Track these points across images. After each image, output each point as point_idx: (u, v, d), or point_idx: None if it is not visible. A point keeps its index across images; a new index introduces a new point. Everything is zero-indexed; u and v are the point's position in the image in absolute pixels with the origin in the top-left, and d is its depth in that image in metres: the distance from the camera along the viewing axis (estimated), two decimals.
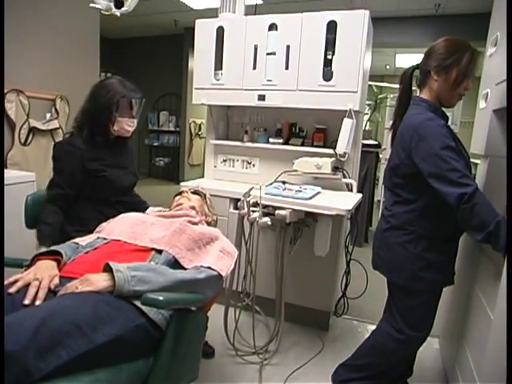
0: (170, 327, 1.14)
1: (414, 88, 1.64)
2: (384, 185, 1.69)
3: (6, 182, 2.09)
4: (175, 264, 1.33)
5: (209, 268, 1.31)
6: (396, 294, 1.62)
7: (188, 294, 1.22)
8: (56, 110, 3.02)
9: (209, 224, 1.74)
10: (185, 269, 1.32)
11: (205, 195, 1.85)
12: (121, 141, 1.81)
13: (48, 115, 3.01)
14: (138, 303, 1.10)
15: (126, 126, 1.73)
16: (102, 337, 0.97)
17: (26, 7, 2.71)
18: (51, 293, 1.13)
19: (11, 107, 2.70)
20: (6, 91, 2.64)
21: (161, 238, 1.38)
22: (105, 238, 1.42)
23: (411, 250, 1.49)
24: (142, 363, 1.10)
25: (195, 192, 1.83)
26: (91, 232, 1.59)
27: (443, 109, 1.54)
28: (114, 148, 1.79)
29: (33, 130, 2.87)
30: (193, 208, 1.66)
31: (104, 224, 1.56)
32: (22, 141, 2.80)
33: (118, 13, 2.04)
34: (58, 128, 3.04)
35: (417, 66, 1.60)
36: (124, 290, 1.09)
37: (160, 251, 1.35)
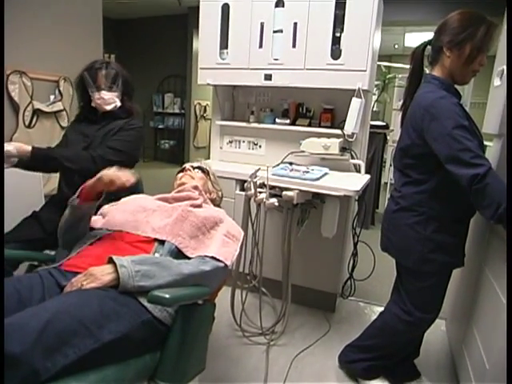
0: (177, 322, 1.13)
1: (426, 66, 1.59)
2: (393, 165, 1.66)
3: None
4: (179, 253, 1.31)
5: (213, 258, 1.28)
6: (405, 275, 1.61)
7: (193, 287, 1.20)
8: (60, 91, 2.98)
9: (213, 201, 1.70)
10: (189, 258, 1.30)
11: (208, 171, 1.79)
12: (106, 116, 1.86)
13: (52, 97, 2.97)
14: (142, 300, 1.09)
15: (97, 100, 1.81)
16: (108, 334, 0.97)
17: None
18: (58, 288, 1.14)
19: (14, 89, 2.66)
20: (8, 72, 2.60)
21: (163, 226, 1.35)
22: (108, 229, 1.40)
23: (421, 231, 1.47)
24: (149, 358, 1.09)
25: (198, 168, 1.77)
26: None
27: (456, 87, 1.49)
28: (97, 122, 1.86)
29: (37, 112, 2.83)
30: (196, 188, 1.61)
31: (106, 207, 1.53)
32: (27, 123, 2.77)
33: None
34: (62, 110, 3.00)
35: (428, 43, 1.54)
36: (128, 286, 1.08)
37: (163, 241, 1.32)
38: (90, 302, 1.00)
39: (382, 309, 1.75)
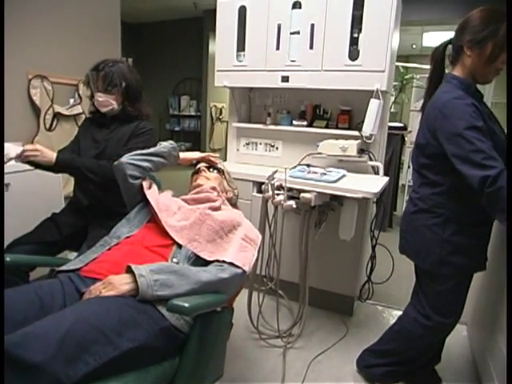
0: (195, 330, 1.12)
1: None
2: (412, 166, 1.64)
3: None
4: (196, 258, 1.31)
5: (231, 264, 1.27)
6: (423, 278, 1.58)
7: (212, 295, 1.19)
8: (79, 95, 3.03)
9: (229, 200, 1.69)
10: (206, 261, 1.30)
11: (223, 170, 1.77)
12: (115, 120, 1.85)
13: (71, 100, 3.03)
14: (160, 307, 1.09)
15: (95, 101, 1.81)
16: (127, 342, 0.97)
17: None
18: (77, 294, 1.15)
19: (36, 93, 2.72)
20: (30, 77, 2.66)
21: (180, 229, 1.36)
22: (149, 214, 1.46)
23: (439, 233, 1.44)
24: (168, 364, 1.10)
25: (213, 167, 1.76)
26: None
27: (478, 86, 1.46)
28: (106, 126, 1.86)
29: (57, 116, 2.89)
30: (214, 189, 1.61)
31: (153, 185, 1.58)
32: (47, 126, 2.83)
33: None
34: (81, 113, 3.05)
35: (449, 42, 1.51)
36: (147, 296, 1.08)
37: (181, 245, 1.33)
38: (108, 309, 1.00)
39: (400, 312, 1.72)
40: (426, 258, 1.49)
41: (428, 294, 1.56)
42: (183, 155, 1.74)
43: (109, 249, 1.34)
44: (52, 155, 1.64)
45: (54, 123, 2.88)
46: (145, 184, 1.53)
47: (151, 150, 1.58)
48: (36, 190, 2.29)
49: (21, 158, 1.58)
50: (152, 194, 1.51)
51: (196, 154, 1.80)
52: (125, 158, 1.50)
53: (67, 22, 2.87)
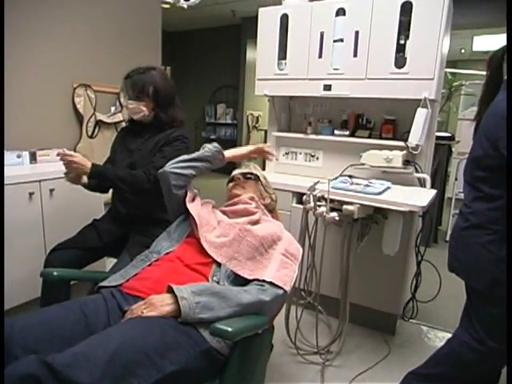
0: (235, 352, 1.10)
1: None
2: (463, 179, 1.54)
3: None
4: (236, 276, 1.28)
5: (272, 284, 1.24)
6: (476, 299, 1.47)
7: (253, 317, 1.17)
8: (120, 103, 3.09)
9: (267, 206, 1.64)
10: (246, 280, 1.27)
11: (258, 176, 1.71)
12: (148, 128, 1.85)
13: (112, 108, 3.10)
14: (201, 330, 1.09)
15: (127, 108, 1.83)
16: (169, 365, 0.97)
17: (90, 4, 2.78)
18: (120, 311, 1.16)
19: (80, 101, 2.80)
20: (75, 86, 2.74)
21: (219, 246, 1.34)
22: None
23: (495, 251, 1.33)
24: None
25: (248, 173, 1.70)
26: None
27: None
28: (140, 135, 1.87)
29: (99, 123, 2.96)
30: (252, 199, 1.57)
31: (197, 198, 1.55)
32: (89, 133, 2.90)
33: (185, 5, 2.02)
34: (121, 121, 3.12)
35: None
36: (189, 318, 1.08)
37: (220, 263, 1.31)
38: (151, 331, 1.01)
39: (447, 334, 1.63)
40: (480, 278, 1.39)
41: (481, 316, 1.45)
42: (229, 154, 1.67)
43: (149, 264, 1.34)
44: (88, 163, 1.69)
45: (96, 130, 2.95)
46: (188, 196, 1.51)
47: (194, 154, 1.55)
48: (78, 195, 2.33)
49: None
50: (195, 207, 1.48)
51: (246, 150, 1.74)
52: (168, 167, 1.48)
53: (110, 32, 2.96)
